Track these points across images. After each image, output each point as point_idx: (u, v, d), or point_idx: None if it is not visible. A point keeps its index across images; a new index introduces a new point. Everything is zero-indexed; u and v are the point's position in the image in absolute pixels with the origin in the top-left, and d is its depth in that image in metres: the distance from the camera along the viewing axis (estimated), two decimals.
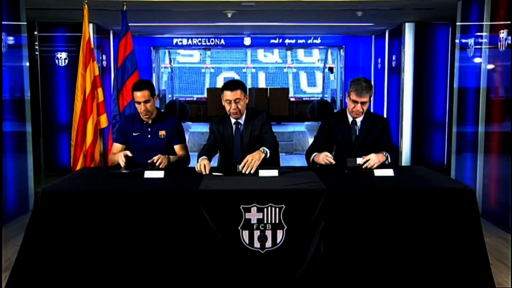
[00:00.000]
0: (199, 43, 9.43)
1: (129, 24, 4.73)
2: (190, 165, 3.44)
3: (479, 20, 4.75)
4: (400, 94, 7.17)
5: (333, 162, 3.09)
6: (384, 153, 3.11)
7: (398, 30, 7.26)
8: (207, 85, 18.37)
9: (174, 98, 11.41)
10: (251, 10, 6.06)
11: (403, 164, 6.82)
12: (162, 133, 3.41)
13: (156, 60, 9.70)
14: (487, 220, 4.45)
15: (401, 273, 2.55)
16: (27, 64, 4.96)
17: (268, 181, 2.74)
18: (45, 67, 6.75)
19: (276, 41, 9.49)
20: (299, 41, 9.47)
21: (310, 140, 6.32)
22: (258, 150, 3.03)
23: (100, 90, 4.61)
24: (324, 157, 3.10)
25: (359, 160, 3.04)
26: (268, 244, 2.53)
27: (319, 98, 11.81)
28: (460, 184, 2.83)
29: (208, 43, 9.46)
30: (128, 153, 3.17)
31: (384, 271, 2.55)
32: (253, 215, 2.51)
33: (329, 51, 11.73)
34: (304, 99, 14.62)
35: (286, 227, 2.52)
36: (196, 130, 9.38)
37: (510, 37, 4.18)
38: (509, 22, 4.19)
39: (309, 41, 9.48)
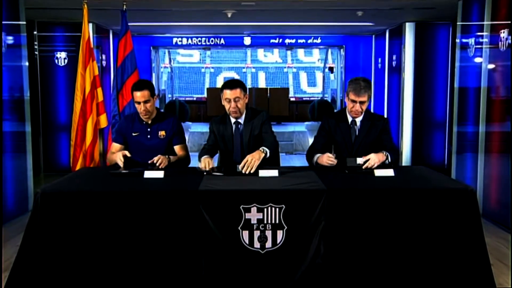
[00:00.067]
0: (199, 43, 9.42)
1: (129, 23, 4.73)
2: (190, 166, 3.43)
3: (480, 20, 4.74)
4: (400, 94, 7.16)
5: (335, 161, 3.08)
6: (384, 153, 3.11)
7: (398, 30, 7.25)
8: (207, 85, 18.37)
9: (174, 98, 11.39)
10: (251, 9, 6.05)
11: (403, 164, 6.81)
12: (161, 133, 3.40)
13: (156, 59, 9.69)
14: (488, 220, 4.44)
15: (401, 273, 2.55)
16: (27, 64, 4.95)
17: (268, 181, 2.73)
18: (44, 67, 6.75)
19: (276, 41, 9.48)
20: (299, 40, 9.46)
21: (310, 140, 6.31)
22: (258, 150, 3.02)
23: (99, 90, 4.61)
24: (327, 159, 3.09)
25: (359, 160, 3.04)
26: (268, 244, 2.52)
27: (319, 98, 11.80)
28: (460, 184, 2.82)
29: (208, 43, 9.45)
30: (127, 153, 3.16)
31: (384, 271, 2.55)
32: (253, 215, 2.51)
33: (329, 51, 11.72)
34: (304, 99, 14.61)
35: (286, 227, 2.52)
36: (196, 130, 9.37)
37: (510, 37, 4.17)
38: (510, 22, 4.18)
39: (309, 41, 9.47)
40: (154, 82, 8.85)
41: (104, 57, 7.25)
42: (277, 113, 11.20)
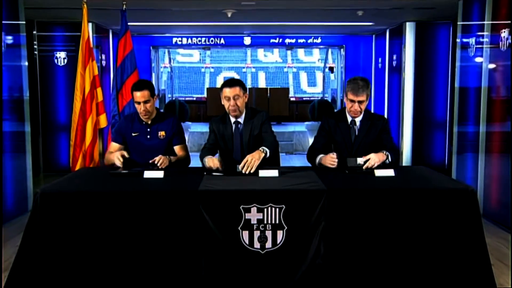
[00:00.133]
0: (199, 43, 9.42)
1: (129, 23, 4.71)
2: (190, 166, 3.42)
3: (480, 20, 4.74)
4: (400, 94, 7.16)
5: (336, 164, 3.07)
6: (385, 152, 3.10)
7: (398, 29, 7.24)
8: (207, 85, 18.38)
9: (173, 98, 11.39)
10: (251, 9, 6.05)
11: (403, 164, 6.81)
12: (161, 133, 3.39)
13: (156, 59, 9.69)
14: (488, 221, 4.43)
15: (402, 273, 2.54)
16: (26, 63, 4.94)
17: (268, 181, 2.72)
18: (44, 67, 6.74)
19: (276, 41, 9.48)
20: (299, 40, 9.46)
21: (310, 140, 6.31)
22: (257, 149, 3.02)
23: (99, 90, 4.60)
24: (330, 160, 3.08)
25: (360, 160, 3.03)
26: (268, 244, 2.51)
27: (319, 98, 11.80)
28: (461, 184, 2.82)
29: (208, 43, 9.45)
30: (125, 153, 3.15)
31: (385, 271, 2.54)
32: (253, 216, 2.50)
33: (330, 50, 11.72)
34: (304, 99, 14.62)
35: (286, 228, 2.51)
36: (196, 130, 9.36)
37: (511, 37, 4.17)
38: (511, 22, 4.18)
39: (309, 41, 9.47)
40: (154, 82, 8.84)
41: (103, 57, 7.24)
42: (277, 113, 11.19)
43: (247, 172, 2.87)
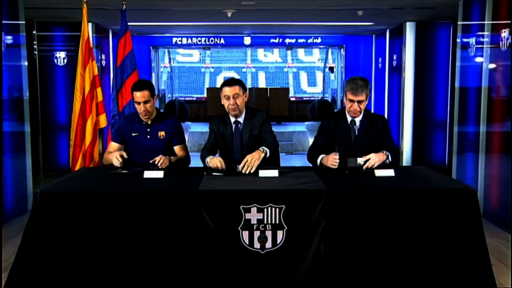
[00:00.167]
0: (199, 43, 9.42)
1: (129, 23, 4.71)
2: (190, 166, 3.42)
3: (481, 19, 4.73)
4: (401, 94, 7.16)
5: (337, 165, 3.06)
6: (385, 152, 3.10)
7: (399, 29, 7.24)
8: (206, 85, 18.38)
9: (173, 98, 11.39)
10: (251, 9, 6.04)
11: (403, 164, 6.80)
12: (161, 133, 3.39)
13: (156, 59, 9.68)
14: (489, 221, 4.43)
15: (402, 273, 2.54)
16: (26, 63, 4.94)
17: (268, 181, 2.72)
18: (43, 67, 6.73)
19: (276, 41, 9.48)
20: (299, 40, 9.46)
21: (310, 140, 6.30)
22: (257, 149, 3.01)
23: (99, 90, 4.59)
24: (332, 161, 3.07)
25: (360, 160, 3.02)
26: (268, 244, 2.51)
27: (319, 98, 11.79)
28: (461, 184, 2.81)
29: (207, 43, 9.45)
30: (124, 153, 3.15)
31: (385, 271, 2.54)
32: (253, 216, 2.50)
33: (330, 50, 11.72)
34: (304, 99, 14.61)
35: (286, 228, 2.51)
36: (196, 130, 9.36)
37: (511, 37, 4.16)
38: (511, 21, 4.17)
39: (310, 41, 9.46)
40: (154, 82, 8.84)
41: (103, 56, 7.24)
42: (277, 113, 11.19)
43: (247, 172, 2.87)
